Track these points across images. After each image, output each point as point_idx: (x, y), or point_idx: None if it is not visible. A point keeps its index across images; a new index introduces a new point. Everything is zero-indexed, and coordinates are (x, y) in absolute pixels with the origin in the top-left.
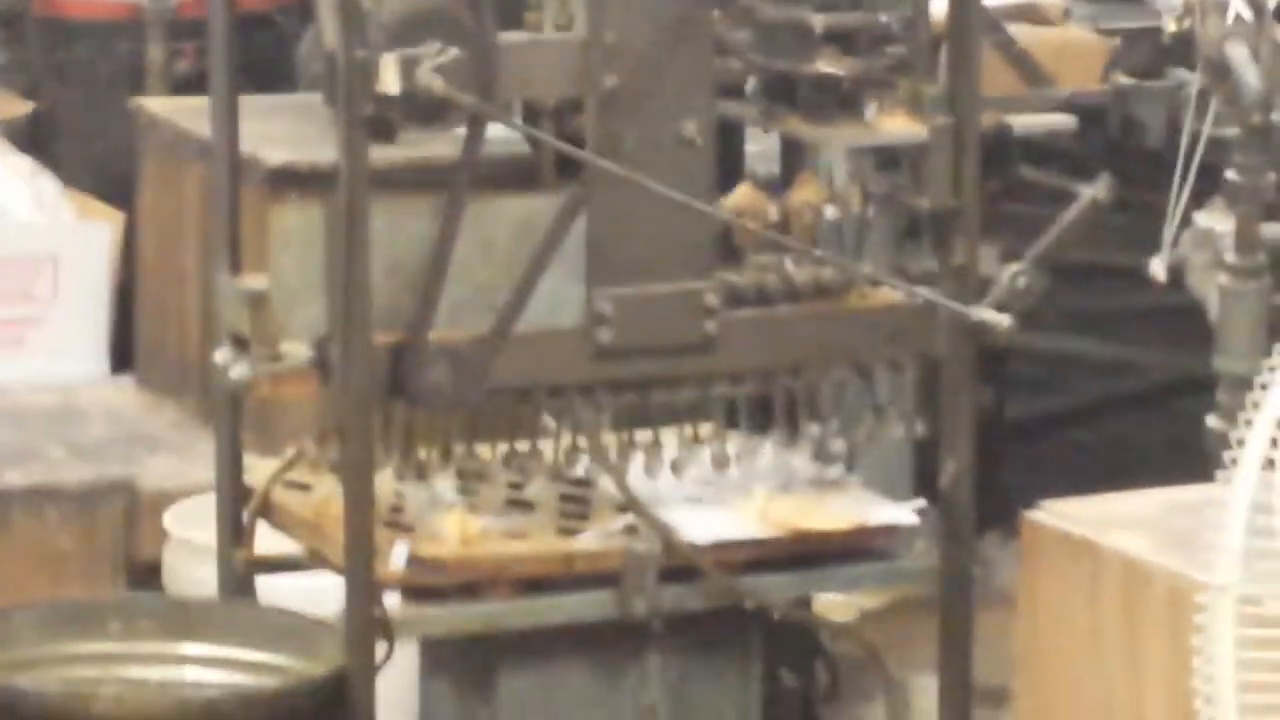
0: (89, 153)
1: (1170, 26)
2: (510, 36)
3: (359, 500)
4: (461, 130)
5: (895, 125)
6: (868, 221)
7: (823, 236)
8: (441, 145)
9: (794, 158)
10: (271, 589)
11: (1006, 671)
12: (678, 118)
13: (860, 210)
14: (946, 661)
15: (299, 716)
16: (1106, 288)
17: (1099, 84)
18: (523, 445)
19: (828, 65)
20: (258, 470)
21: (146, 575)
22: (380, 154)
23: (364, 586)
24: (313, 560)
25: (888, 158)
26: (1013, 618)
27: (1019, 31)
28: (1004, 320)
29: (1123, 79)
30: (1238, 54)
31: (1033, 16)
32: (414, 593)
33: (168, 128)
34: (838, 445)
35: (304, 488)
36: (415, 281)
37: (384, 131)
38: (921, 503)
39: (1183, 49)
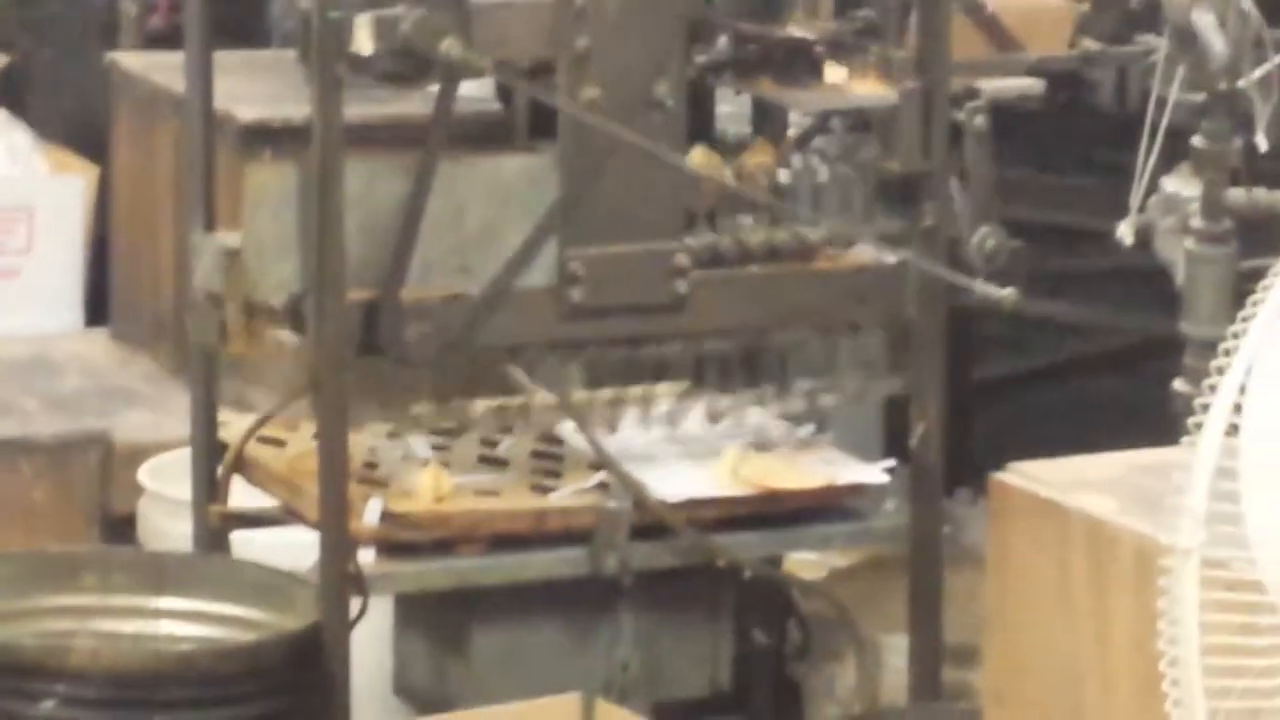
0: (63, 106)
1: None
2: None
3: (333, 456)
4: (434, 88)
5: (865, 88)
6: (823, 185)
7: (797, 198)
8: (414, 103)
9: (765, 120)
10: (246, 544)
11: (976, 630)
12: (649, 79)
13: (816, 173)
14: (916, 620)
15: (273, 670)
16: (1076, 249)
17: (1067, 49)
18: (496, 403)
19: (799, 28)
20: (232, 426)
21: (121, 528)
22: (354, 111)
23: (338, 542)
24: (287, 515)
25: (858, 121)
26: (982, 577)
27: None
28: (1008, 294)
29: (1091, 44)
30: (1204, 20)
31: None
32: (388, 548)
33: (142, 83)
34: (808, 404)
35: (278, 443)
36: (388, 239)
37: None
38: (891, 462)
39: (1151, 14)
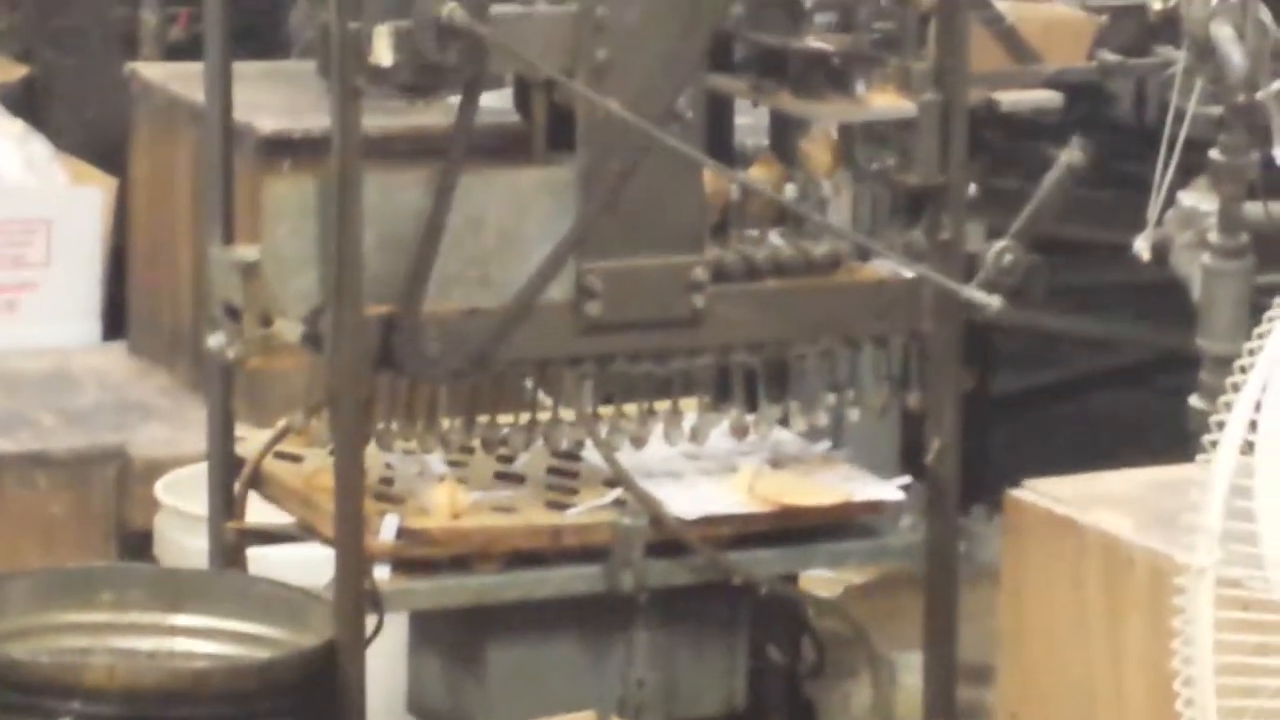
0: (82, 117)
1: (1156, 4)
2: (502, 9)
3: (349, 472)
4: (454, 100)
5: (884, 101)
6: (825, 199)
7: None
8: (434, 115)
9: (783, 132)
10: (262, 560)
11: (991, 648)
12: (667, 91)
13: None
14: (931, 638)
15: (288, 688)
16: (1092, 264)
17: (1086, 61)
18: (512, 418)
19: (817, 40)
20: (249, 441)
21: (138, 543)
22: (373, 123)
23: (354, 558)
24: (303, 532)
25: (876, 133)
26: (998, 594)
27: (1007, 8)
28: (993, 300)
29: (1109, 56)
30: (1223, 33)
31: None
32: (403, 565)
33: (161, 93)
34: (825, 419)
35: (295, 459)
36: (407, 253)
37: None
38: (907, 479)
39: (1169, 26)
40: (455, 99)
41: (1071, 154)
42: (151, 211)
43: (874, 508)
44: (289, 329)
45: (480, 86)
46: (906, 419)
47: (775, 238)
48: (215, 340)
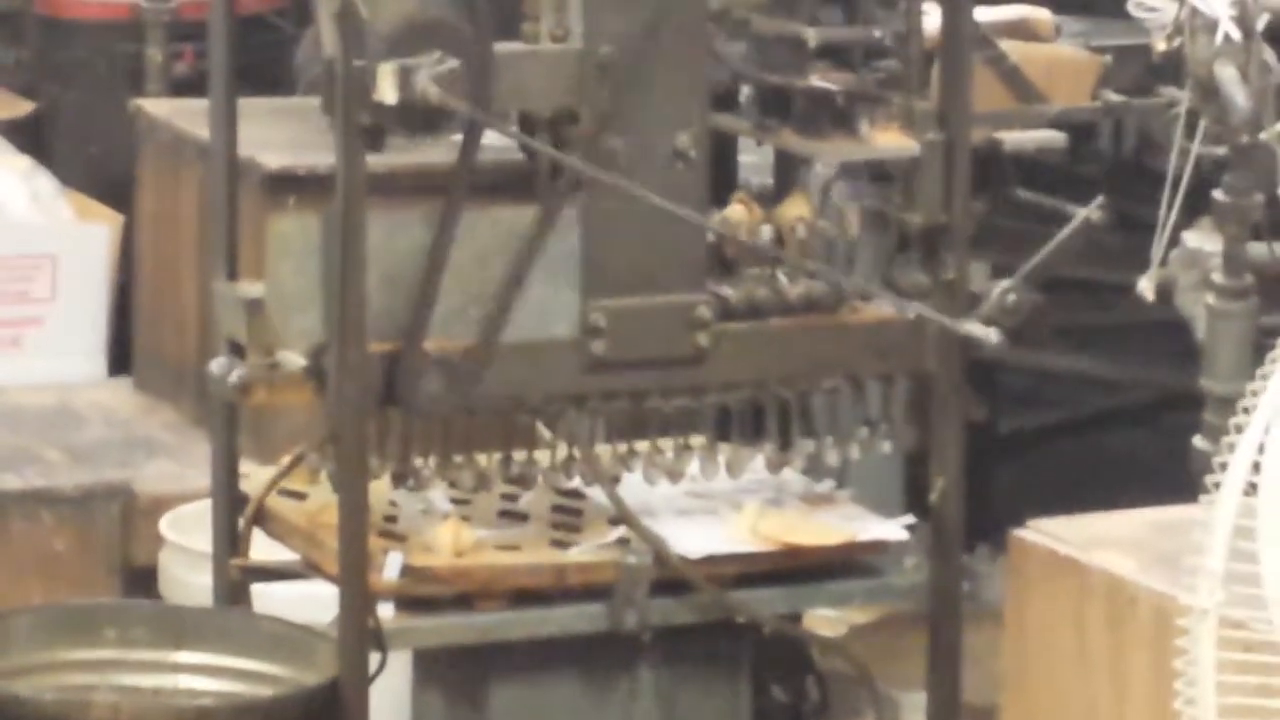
0: (88, 153)
1: (1159, 45)
2: (506, 47)
3: (353, 509)
4: (457, 138)
5: (888, 140)
6: (857, 238)
7: (815, 251)
8: (437, 153)
9: (787, 171)
10: (266, 597)
11: (995, 688)
12: (671, 130)
13: (852, 227)
14: (935, 678)
15: None
16: (1097, 304)
17: (1090, 101)
18: (517, 456)
19: (821, 79)
20: (254, 478)
21: (142, 579)
22: (376, 161)
23: (358, 596)
24: (307, 569)
25: (879, 172)
26: (1001, 634)
27: (1010, 48)
28: (991, 334)
29: (1113, 96)
30: (1226, 74)
31: (1024, 33)
32: (407, 603)
33: (166, 129)
34: (828, 459)
35: (299, 496)
36: (410, 290)
37: (374, 140)
38: (911, 518)
39: (1173, 67)
40: (458, 137)
41: (1093, 211)
42: (156, 247)
43: (878, 547)
44: (292, 365)
45: (483, 125)
46: (910, 458)
47: (781, 276)
48: (219, 376)
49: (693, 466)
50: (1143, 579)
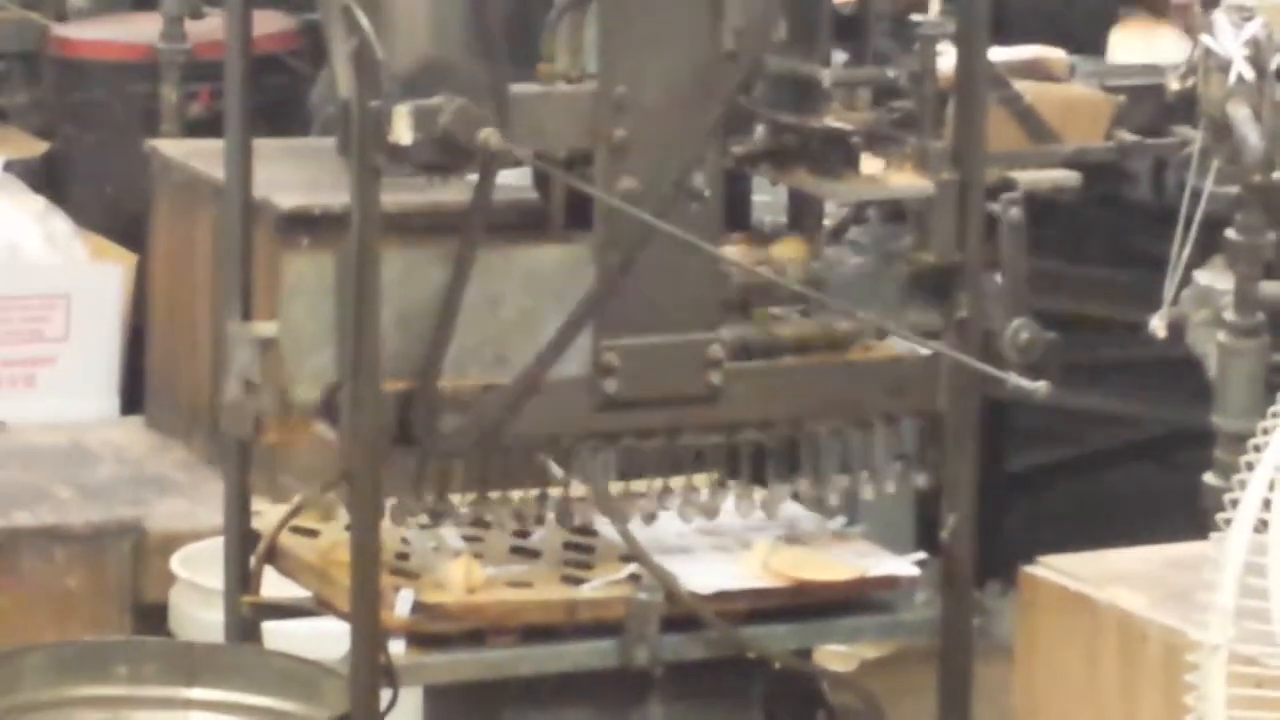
0: (102, 193)
1: (1173, 85)
2: (522, 88)
3: (365, 547)
4: (472, 177)
5: (902, 180)
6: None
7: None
8: (452, 192)
9: (801, 210)
10: (278, 634)
11: None
12: (686, 169)
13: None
14: (946, 714)
15: None
16: (1109, 341)
17: (1104, 140)
18: (528, 494)
19: (835, 119)
20: (266, 516)
21: (154, 616)
22: (391, 200)
23: (369, 633)
24: (319, 606)
25: (894, 212)
26: (1012, 670)
27: (1025, 87)
28: (1041, 387)
29: (1127, 136)
30: (1239, 114)
31: (1039, 73)
32: (419, 639)
33: (181, 170)
34: (840, 497)
35: (311, 533)
36: (424, 330)
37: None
38: (922, 554)
39: (1187, 106)
40: (473, 176)
41: None
42: (170, 287)
43: (889, 583)
44: (306, 404)
45: (498, 166)
46: (922, 495)
47: (796, 315)
48: (231, 415)
49: (704, 503)
50: (1154, 615)
